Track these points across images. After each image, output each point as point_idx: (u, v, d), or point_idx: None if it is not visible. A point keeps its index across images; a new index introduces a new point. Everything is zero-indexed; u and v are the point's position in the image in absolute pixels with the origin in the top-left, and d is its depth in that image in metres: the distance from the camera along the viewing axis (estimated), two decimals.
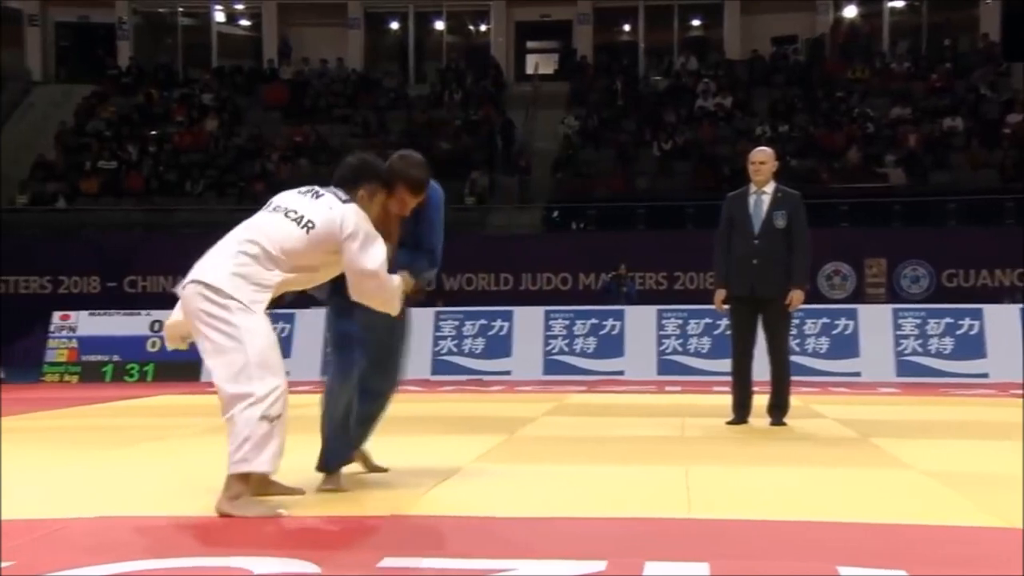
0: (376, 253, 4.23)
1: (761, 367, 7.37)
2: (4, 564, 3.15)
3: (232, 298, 4.04)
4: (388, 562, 3.26)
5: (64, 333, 13.88)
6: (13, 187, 21.65)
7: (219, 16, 27.46)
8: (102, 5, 26.24)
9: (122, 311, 14.44)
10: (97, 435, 7.12)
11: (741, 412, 7.43)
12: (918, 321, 13.28)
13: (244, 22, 27.84)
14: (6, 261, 19.22)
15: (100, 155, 22.15)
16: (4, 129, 23.84)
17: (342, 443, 4.58)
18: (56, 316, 14.12)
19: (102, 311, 14.48)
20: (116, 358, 13.65)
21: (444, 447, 4.53)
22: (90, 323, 13.98)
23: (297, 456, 4.49)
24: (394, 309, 4.39)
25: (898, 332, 13.22)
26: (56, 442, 6.68)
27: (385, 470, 4.91)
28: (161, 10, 27.31)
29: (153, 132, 22.91)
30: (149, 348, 13.62)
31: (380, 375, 4.65)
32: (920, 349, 13.15)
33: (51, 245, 19.86)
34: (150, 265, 18.60)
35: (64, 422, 8.27)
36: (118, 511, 4.14)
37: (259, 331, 4.04)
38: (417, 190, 4.56)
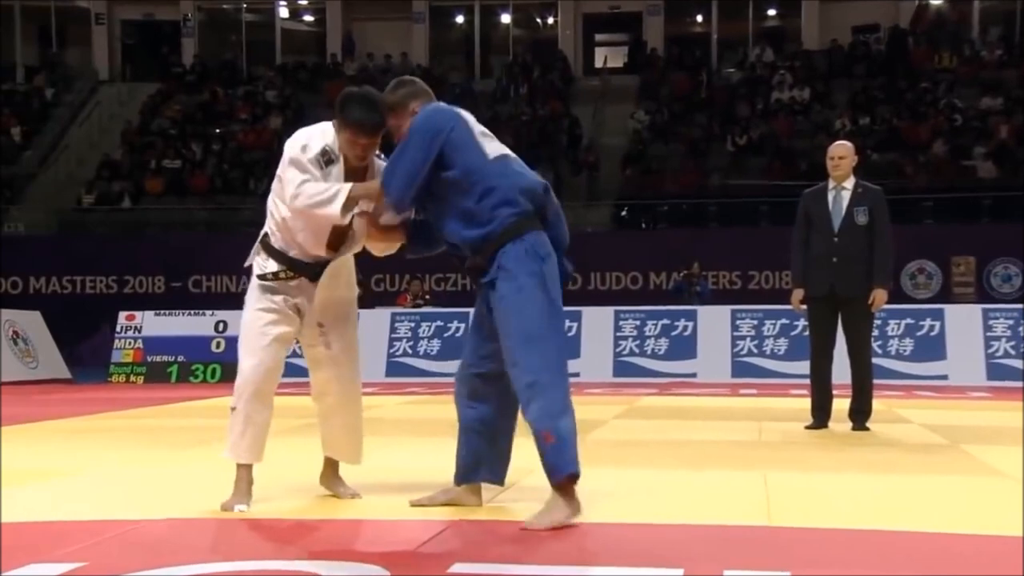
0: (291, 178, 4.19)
1: (841, 369, 7.18)
2: (77, 565, 3.21)
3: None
4: (458, 567, 3.23)
5: (130, 333, 13.72)
6: (80, 186, 21.77)
7: (283, 12, 27.41)
8: (167, 3, 26.35)
9: (187, 311, 14.25)
10: (165, 436, 7.16)
11: (821, 416, 7.23)
12: (1011, 322, 12.59)
13: (308, 18, 27.77)
14: (73, 262, 19.28)
15: (165, 154, 22.12)
16: (71, 129, 24.02)
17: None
18: (122, 316, 13.97)
19: (167, 311, 14.29)
20: (181, 359, 13.43)
21: (513, 451, 4.32)
22: (155, 323, 13.79)
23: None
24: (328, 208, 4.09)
25: (988, 333, 12.56)
26: (125, 443, 6.71)
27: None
28: (225, 7, 27.30)
29: (217, 130, 22.86)
30: (214, 349, 13.41)
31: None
32: (1013, 351, 12.46)
33: (116, 245, 19.88)
34: (214, 265, 18.46)
35: (132, 422, 8.28)
36: (187, 513, 4.18)
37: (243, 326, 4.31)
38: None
